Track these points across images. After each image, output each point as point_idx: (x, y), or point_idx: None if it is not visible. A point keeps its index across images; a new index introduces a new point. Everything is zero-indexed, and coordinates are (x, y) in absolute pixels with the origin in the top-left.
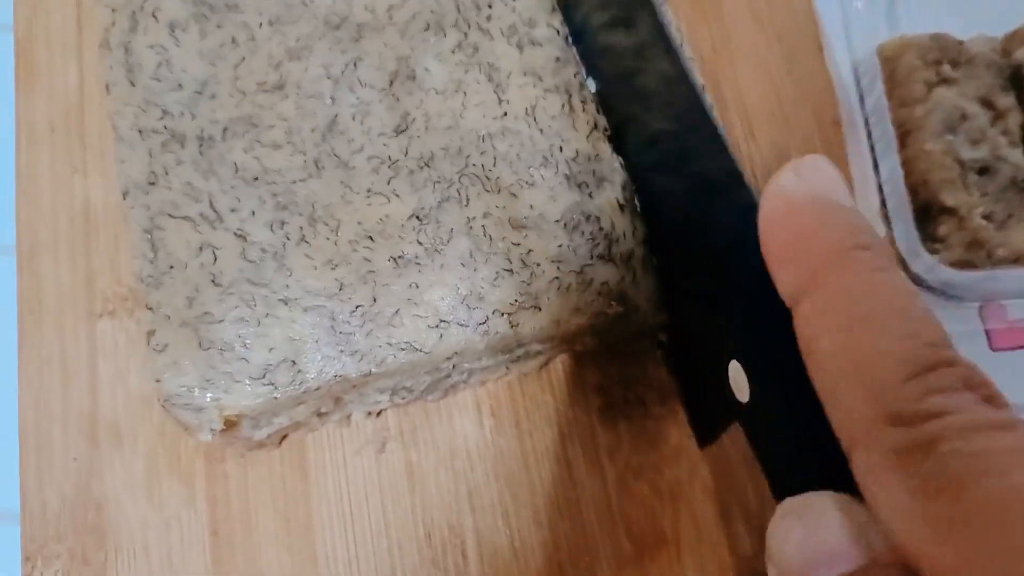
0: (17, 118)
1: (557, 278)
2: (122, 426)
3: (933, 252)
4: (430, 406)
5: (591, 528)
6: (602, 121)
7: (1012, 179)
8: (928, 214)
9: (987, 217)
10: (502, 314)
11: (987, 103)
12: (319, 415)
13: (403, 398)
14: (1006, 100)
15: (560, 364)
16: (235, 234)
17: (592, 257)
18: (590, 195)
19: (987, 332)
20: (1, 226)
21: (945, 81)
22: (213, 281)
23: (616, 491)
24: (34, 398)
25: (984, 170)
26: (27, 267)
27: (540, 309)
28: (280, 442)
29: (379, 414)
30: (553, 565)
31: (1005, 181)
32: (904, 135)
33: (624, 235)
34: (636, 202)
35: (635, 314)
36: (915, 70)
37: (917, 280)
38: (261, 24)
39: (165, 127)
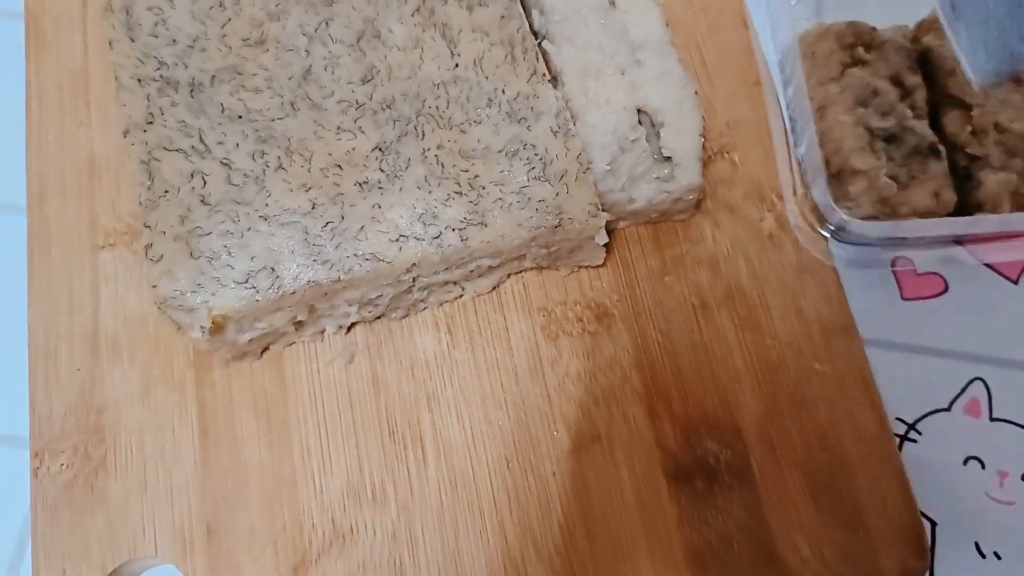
0: (28, 81)
1: (500, 198)
2: (121, 342)
3: (846, 208)
4: (394, 324)
5: (534, 427)
6: (541, 67)
7: (916, 147)
8: (841, 176)
9: (893, 178)
10: (453, 229)
11: (897, 81)
12: (296, 324)
13: (370, 312)
14: (914, 79)
15: (509, 287)
16: (221, 162)
17: (529, 179)
18: (528, 127)
19: (898, 284)
20: (13, 185)
21: (859, 62)
22: (202, 201)
23: (556, 396)
24: (43, 320)
25: (891, 138)
26: (37, 210)
27: (486, 225)
28: (261, 354)
29: (349, 330)
30: (501, 459)
31: (909, 148)
32: (821, 109)
33: (557, 157)
34: (570, 125)
35: (570, 224)
36: (832, 52)
37: (834, 232)
38: None
39: (161, 75)
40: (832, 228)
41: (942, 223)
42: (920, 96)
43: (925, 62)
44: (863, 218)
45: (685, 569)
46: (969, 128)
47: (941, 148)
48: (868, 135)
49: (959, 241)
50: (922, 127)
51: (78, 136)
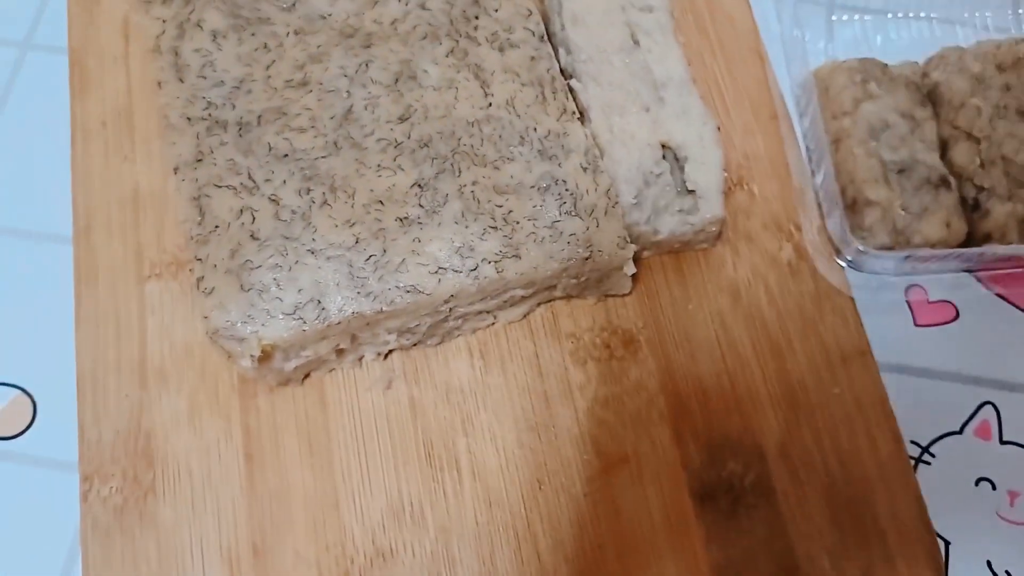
0: (73, 117)
1: (533, 232)
2: (168, 370)
3: (861, 239)
4: (430, 350)
5: (564, 449)
6: (571, 106)
7: (927, 178)
8: (856, 207)
9: (905, 209)
10: (489, 262)
11: (907, 115)
12: (338, 352)
13: (408, 340)
14: (923, 112)
15: (539, 315)
16: (270, 199)
17: (561, 213)
18: (559, 164)
19: (911, 311)
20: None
21: (871, 97)
22: (252, 236)
23: (585, 419)
24: (91, 350)
25: (903, 170)
26: (83, 242)
27: (520, 257)
28: (303, 380)
29: (387, 356)
30: (533, 480)
31: (921, 180)
32: (836, 142)
33: (587, 192)
34: (599, 161)
35: (600, 256)
36: (845, 88)
37: (850, 262)
38: (288, 33)
39: (210, 115)
40: (848, 258)
41: (954, 254)
42: (930, 129)
43: (934, 97)
44: (877, 248)
45: None
46: (977, 160)
47: (951, 179)
48: (881, 167)
49: (970, 271)
50: (933, 159)
51: (122, 171)
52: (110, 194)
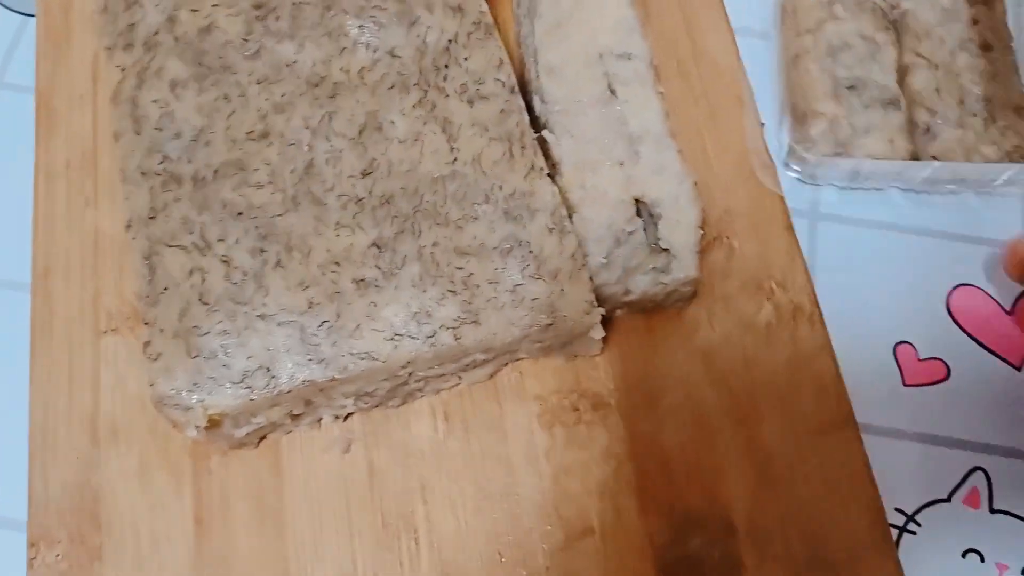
0: (37, 159)
1: (494, 297)
2: (119, 427)
3: (806, 148)
4: (390, 411)
5: (528, 519)
6: (539, 162)
7: (876, 97)
8: (803, 120)
9: (851, 125)
10: (447, 328)
11: (868, 38)
12: (292, 417)
13: (366, 403)
14: (885, 37)
15: (505, 376)
16: (221, 260)
17: (524, 277)
18: (524, 225)
19: (900, 370)
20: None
21: (835, 19)
22: (201, 300)
23: (550, 487)
24: (43, 401)
25: (853, 87)
26: (41, 288)
27: (479, 324)
28: (258, 442)
29: (346, 418)
30: (494, 552)
31: (871, 98)
32: (796, 58)
33: (552, 255)
34: (567, 222)
35: (564, 321)
36: (811, 8)
37: (798, 172)
38: (251, 82)
39: (165, 170)
40: (796, 167)
41: (899, 166)
42: (888, 54)
43: (901, 25)
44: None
45: None
46: (935, 86)
47: (901, 100)
48: (832, 83)
49: (957, 322)
50: (887, 80)
51: (84, 214)
52: (71, 238)
